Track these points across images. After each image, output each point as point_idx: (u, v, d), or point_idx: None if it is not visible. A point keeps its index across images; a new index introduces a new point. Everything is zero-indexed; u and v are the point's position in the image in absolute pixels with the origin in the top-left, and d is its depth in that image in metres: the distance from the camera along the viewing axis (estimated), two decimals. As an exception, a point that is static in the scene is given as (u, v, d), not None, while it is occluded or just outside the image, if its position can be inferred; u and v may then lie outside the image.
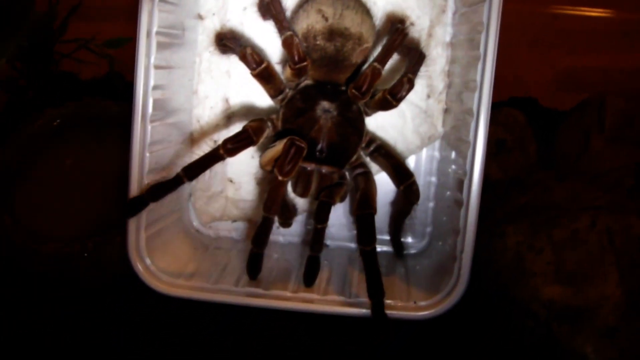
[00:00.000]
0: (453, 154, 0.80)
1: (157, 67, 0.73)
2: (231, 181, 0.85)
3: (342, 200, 0.75)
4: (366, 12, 0.74)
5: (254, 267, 0.74)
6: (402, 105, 0.74)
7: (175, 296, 0.73)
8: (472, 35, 0.73)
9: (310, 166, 0.72)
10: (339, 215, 0.86)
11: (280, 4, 0.70)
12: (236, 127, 0.82)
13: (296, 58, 0.71)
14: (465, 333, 0.80)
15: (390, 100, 0.72)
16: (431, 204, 0.86)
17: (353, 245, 0.86)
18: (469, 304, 0.73)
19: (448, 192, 0.80)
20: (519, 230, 0.77)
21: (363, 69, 0.74)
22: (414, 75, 0.73)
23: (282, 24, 0.70)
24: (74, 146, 0.90)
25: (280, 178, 0.66)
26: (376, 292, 0.68)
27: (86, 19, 1.02)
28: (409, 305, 0.73)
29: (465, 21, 0.78)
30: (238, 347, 0.79)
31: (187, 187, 0.82)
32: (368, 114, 0.77)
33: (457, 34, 0.81)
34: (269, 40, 0.81)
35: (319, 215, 0.70)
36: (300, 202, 0.83)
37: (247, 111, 0.84)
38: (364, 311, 0.71)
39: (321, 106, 0.73)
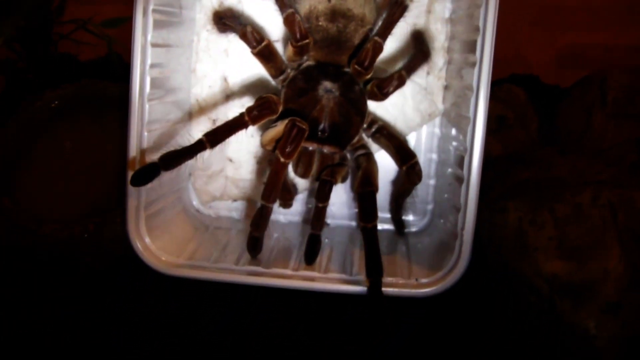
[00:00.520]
0: (453, 131, 0.79)
1: (154, 45, 0.72)
2: (231, 160, 0.85)
3: (343, 180, 0.75)
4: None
5: (253, 248, 0.74)
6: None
7: (175, 276, 0.73)
8: (472, 10, 0.72)
9: (312, 146, 0.71)
10: (340, 194, 0.86)
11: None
12: (235, 106, 0.83)
13: (298, 35, 0.70)
14: (467, 310, 0.80)
15: (376, 92, 0.73)
16: (432, 182, 0.85)
17: (354, 223, 0.87)
18: (471, 281, 0.72)
19: (449, 169, 0.80)
20: (521, 205, 0.76)
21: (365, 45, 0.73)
22: (410, 72, 0.74)
23: (284, 1, 0.70)
24: (73, 128, 0.90)
25: (282, 160, 0.66)
26: (374, 270, 0.68)
27: (84, 0, 1.01)
28: (411, 282, 0.73)
29: (464, -4, 0.77)
30: (237, 347, 0.79)
31: (186, 166, 0.82)
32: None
33: (456, 9, 0.80)
34: (267, 20, 0.81)
35: (321, 194, 0.70)
36: (301, 182, 0.83)
37: (246, 90, 0.83)
38: (365, 289, 0.71)
39: (323, 86, 0.72)
